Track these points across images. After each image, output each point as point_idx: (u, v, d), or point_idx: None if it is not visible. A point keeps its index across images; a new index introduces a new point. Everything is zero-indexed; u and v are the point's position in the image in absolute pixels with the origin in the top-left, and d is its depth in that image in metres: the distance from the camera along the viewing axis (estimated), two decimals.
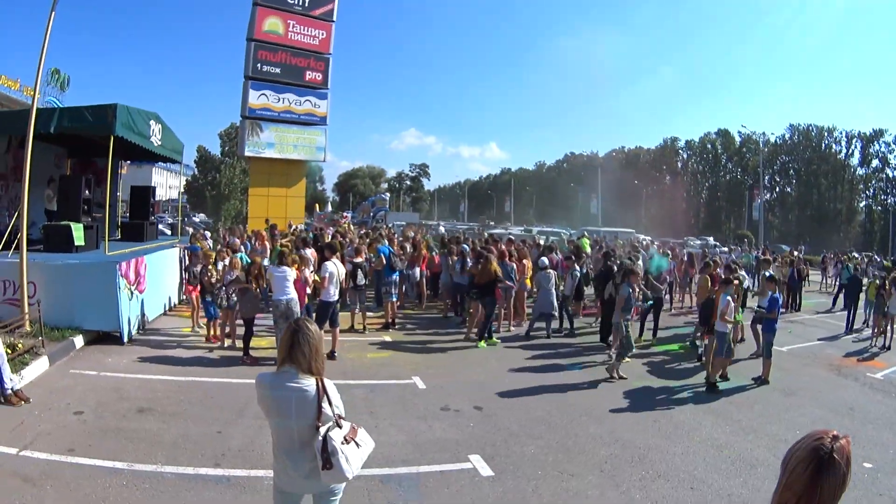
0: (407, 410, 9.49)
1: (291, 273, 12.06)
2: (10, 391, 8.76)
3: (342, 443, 3.80)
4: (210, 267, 13.21)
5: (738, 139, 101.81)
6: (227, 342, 13.03)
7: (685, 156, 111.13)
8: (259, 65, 35.14)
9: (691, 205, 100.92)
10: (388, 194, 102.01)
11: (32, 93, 12.25)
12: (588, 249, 21.06)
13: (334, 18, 37.77)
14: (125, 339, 12.67)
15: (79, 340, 12.05)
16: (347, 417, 3.99)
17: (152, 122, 15.64)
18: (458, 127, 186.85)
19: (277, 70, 35.69)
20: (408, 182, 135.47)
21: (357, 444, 3.91)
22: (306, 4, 36.45)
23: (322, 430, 3.79)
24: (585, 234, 41.38)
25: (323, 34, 37.35)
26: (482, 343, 14.11)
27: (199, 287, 13.49)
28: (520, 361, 12.99)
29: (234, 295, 12.65)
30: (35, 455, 7.02)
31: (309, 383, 3.85)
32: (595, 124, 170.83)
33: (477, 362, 12.81)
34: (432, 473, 7.17)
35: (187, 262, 16.21)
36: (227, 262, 13.36)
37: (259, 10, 34.88)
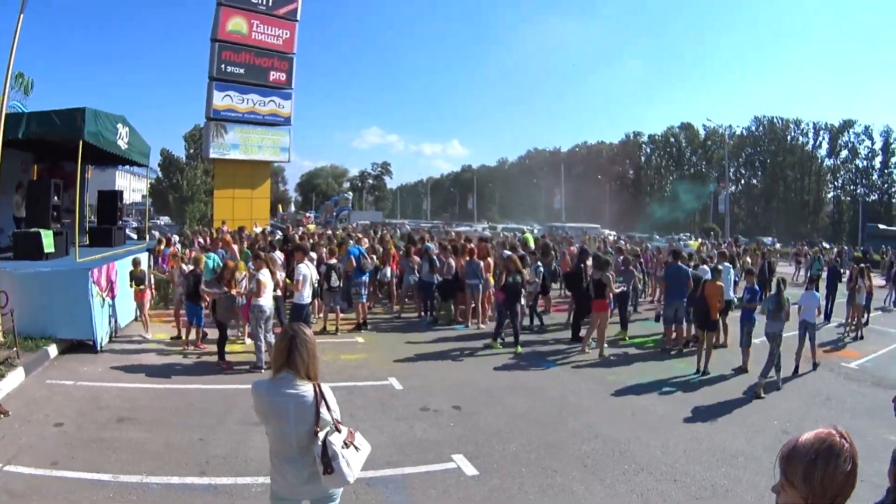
0: (386, 412, 9.53)
1: (269, 276, 12.04)
2: None
3: (342, 447, 3.83)
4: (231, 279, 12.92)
5: (702, 133, 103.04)
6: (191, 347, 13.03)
7: (648, 150, 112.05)
8: (223, 65, 34.92)
9: (655, 199, 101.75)
10: (350, 193, 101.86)
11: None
12: (532, 245, 21.04)
13: (298, 18, 37.65)
14: (99, 347, 12.53)
15: (53, 350, 11.88)
16: None
17: (119, 126, 15.46)
18: (419, 124, 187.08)
19: (241, 70, 35.49)
20: (370, 181, 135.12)
21: (356, 448, 3.94)
22: (270, 4, 36.31)
23: (321, 434, 3.80)
24: (526, 230, 41.73)
25: (287, 34, 37.25)
26: (497, 344, 14.14)
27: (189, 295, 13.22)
28: (494, 359, 13.05)
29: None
30: (19, 470, 6.92)
31: (307, 389, 3.86)
32: (557, 120, 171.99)
33: (452, 362, 12.95)
34: (417, 474, 7.22)
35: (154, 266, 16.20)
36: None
37: (223, 9, 34.65)
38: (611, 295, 13.91)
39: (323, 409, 3.85)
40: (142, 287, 13.98)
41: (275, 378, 3.92)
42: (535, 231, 47.57)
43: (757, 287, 13.79)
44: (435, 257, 17.15)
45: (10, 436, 7.94)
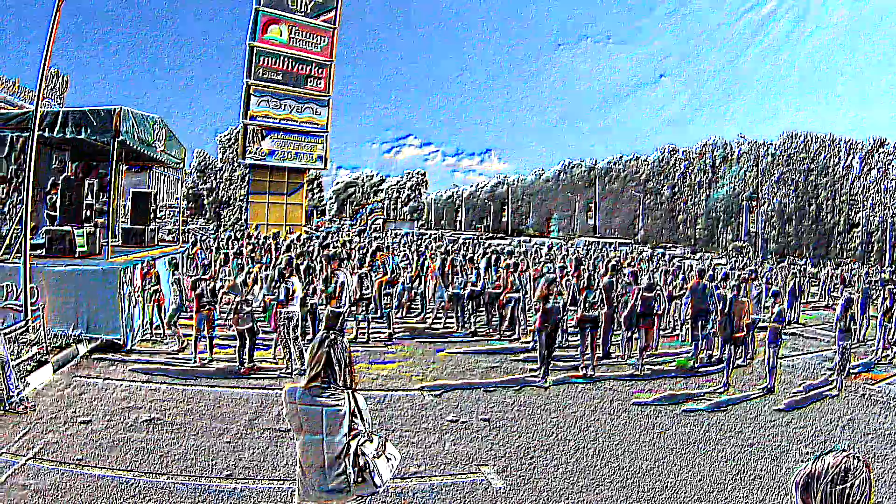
0: (416, 423, 9.41)
1: (299, 284, 11.97)
2: (15, 399, 8.70)
3: (374, 456, 3.84)
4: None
5: (736, 150, 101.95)
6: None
7: (683, 166, 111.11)
8: (260, 71, 35.14)
9: (689, 215, 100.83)
10: (386, 203, 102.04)
11: (33, 95, 12.10)
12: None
13: (336, 25, 37.76)
14: (128, 347, 12.56)
15: (82, 348, 11.90)
16: None
17: (156, 128, 15.46)
18: (457, 135, 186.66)
19: (279, 77, 35.77)
20: (406, 191, 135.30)
21: (387, 458, 3.95)
22: (309, 11, 36.47)
23: (353, 444, 3.82)
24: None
25: (325, 42, 37.45)
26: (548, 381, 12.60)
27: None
28: (524, 373, 12.79)
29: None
30: (44, 465, 7.00)
31: (341, 397, 3.86)
32: (594, 133, 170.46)
33: (482, 375, 12.63)
34: (445, 486, 7.19)
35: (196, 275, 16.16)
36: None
37: (262, 15, 34.87)
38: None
39: (357, 419, 3.90)
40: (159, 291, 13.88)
41: (309, 386, 3.90)
42: (576, 246, 46.97)
43: (783, 308, 13.39)
44: (481, 270, 16.85)
45: (37, 431, 8.06)
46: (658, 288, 14.43)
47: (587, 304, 12.35)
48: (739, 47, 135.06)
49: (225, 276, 16.23)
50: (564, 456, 8.32)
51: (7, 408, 8.64)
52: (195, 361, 12.25)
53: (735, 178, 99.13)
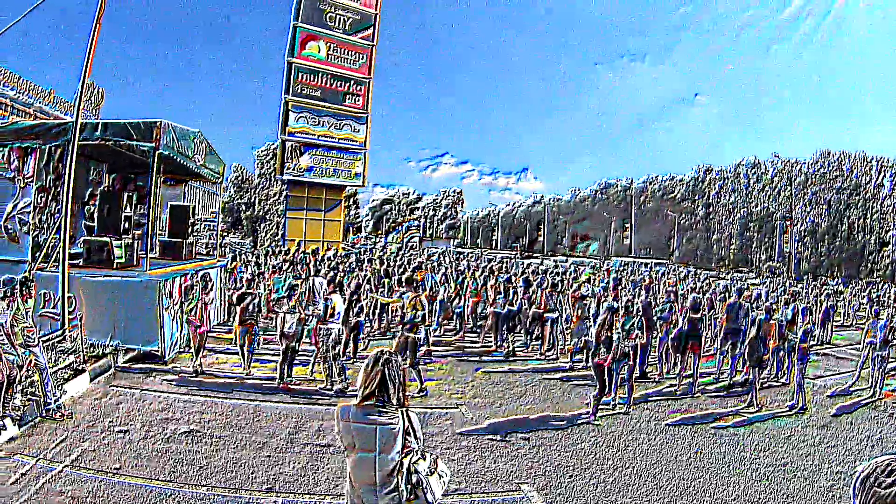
0: (455, 440, 9.36)
1: (340, 300, 11.93)
2: (52, 406, 8.81)
3: (427, 474, 3.83)
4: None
5: (770, 169, 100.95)
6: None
7: (718, 186, 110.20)
8: (299, 87, 35.38)
9: (723, 236, 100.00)
10: (422, 221, 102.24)
11: (68, 106, 12.15)
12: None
13: (374, 43, 37.96)
14: (166, 359, 12.54)
15: (119, 357, 11.94)
16: None
17: (196, 141, 15.44)
18: (493, 154, 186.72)
19: (317, 94, 36.02)
20: (442, 209, 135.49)
21: (439, 475, 3.95)
22: (347, 28, 36.73)
23: (406, 461, 3.81)
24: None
25: (363, 59, 37.64)
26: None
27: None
28: (564, 393, 12.67)
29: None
30: (81, 473, 7.05)
31: (395, 416, 3.84)
32: (630, 152, 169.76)
33: (521, 393, 12.53)
34: (486, 503, 7.23)
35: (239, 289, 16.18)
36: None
37: (300, 32, 35.16)
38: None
39: (410, 437, 3.88)
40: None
41: (361, 405, 3.90)
42: (612, 267, 46.44)
43: (810, 328, 13.77)
44: (519, 290, 16.63)
45: (73, 439, 8.14)
46: (703, 309, 14.15)
47: (623, 332, 11.58)
48: (775, 65, 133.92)
49: (262, 291, 16.23)
50: (603, 475, 8.29)
51: (44, 415, 8.75)
52: (245, 371, 12.37)
53: (768, 197, 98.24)
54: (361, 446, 3.81)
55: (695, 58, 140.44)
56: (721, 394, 13.33)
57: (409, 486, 3.76)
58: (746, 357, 13.09)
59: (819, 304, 22.21)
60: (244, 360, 12.56)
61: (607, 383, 11.07)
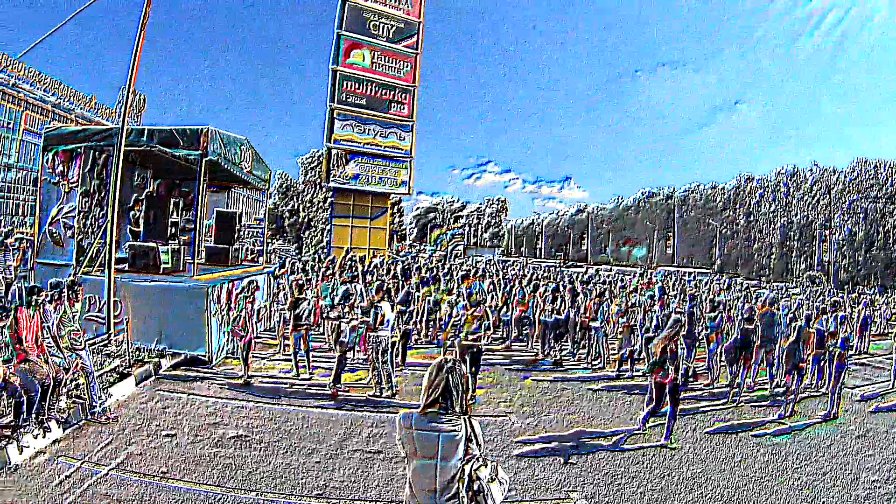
0: (505, 448, 9.27)
1: (389, 308, 11.89)
2: (98, 409, 8.88)
3: (488, 481, 3.86)
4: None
5: (808, 178, 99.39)
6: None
7: (759, 195, 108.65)
8: (344, 95, 35.52)
9: (764, 245, 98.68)
10: (466, 229, 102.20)
11: (110, 112, 12.26)
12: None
13: (419, 51, 37.99)
14: (213, 364, 12.59)
15: (165, 362, 11.99)
16: None
17: (243, 148, 15.54)
18: (537, 163, 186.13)
19: (362, 102, 36.08)
20: (486, 217, 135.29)
21: (500, 482, 3.95)
22: (391, 36, 36.81)
23: (467, 468, 3.86)
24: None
25: (408, 66, 37.66)
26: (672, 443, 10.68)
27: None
28: (612, 402, 12.52)
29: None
30: (127, 476, 7.15)
31: (458, 423, 3.91)
32: (673, 161, 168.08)
33: (568, 401, 12.41)
34: None
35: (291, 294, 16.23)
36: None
37: (344, 40, 35.32)
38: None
39: (472, 444, 3.94)
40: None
41: (424, 412, 3.97)
42: (657, 276, 45.77)
43: (848, 336, 14.03)
44: (567, 299, 16.48)
45: (119, 442, 8.23)
46: (756, 319, 13.87)
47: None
48: (814, 71, 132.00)
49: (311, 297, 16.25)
50: (650, 483, 8.30)
51: (89, 418, 8.80)
52: (302, 376, 12.39)
53: (808, 206, 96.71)
54: (423, 453, 3.87)
55: (734, 66, 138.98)
56: (762, 403, 13.18)
57: (469, 493, 3.82)
58: (784, 365, 12.97)
59: (856, 314, 21.69)
60: (296, 365, 12.56)
61: (667, 402, 10.43)
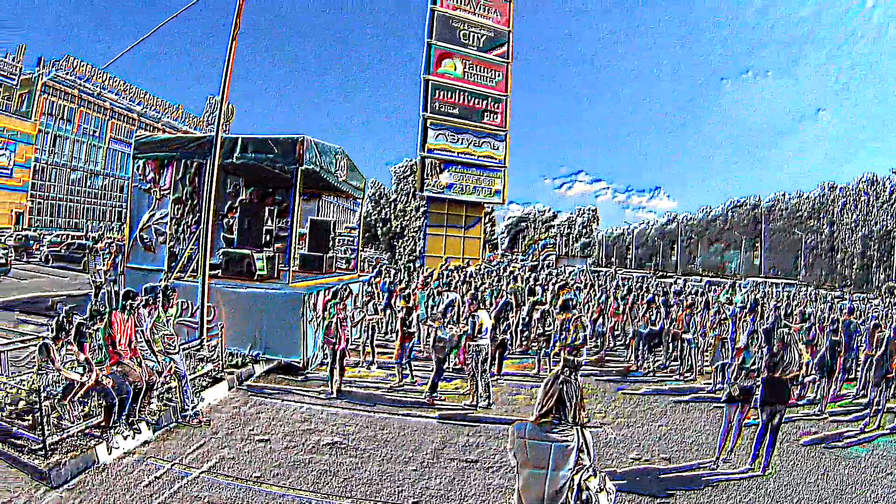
0: (599, 460, 8.77)
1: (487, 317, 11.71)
2: (190, 412, 8.99)
3: (597, 491, 3.84)
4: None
5: (888, 186, 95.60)
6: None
7: (841, 203, 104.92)
8: (436, 105, 35.62)
9: (846, 255, 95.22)
10: (558, 239, 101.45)
11: (197, 121, 12.43)
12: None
13: (510, 60, 37.86)
14: (308, 371, 12.61)
15: (259, 367, 12.07)
16: None
17: (338, 157, 15.57)
18: (627, 172, 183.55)
19: (455, 111, 36.15)
20: (577, 227, 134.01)
21: (608, 493, 3.92)
22: (482, 46, 36.77)
23: (577, 478, 3.85)
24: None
25: (500, 76, 37.60)
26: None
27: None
28: (707, 413, 12.19)
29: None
30: (219, 480, 7.24)
31: (571, 434, 3.92)
32: (759, 169, 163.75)
33: (661, 413, 12.18)
34: None
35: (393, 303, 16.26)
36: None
37: (435, 49, 35.48)
38: None
39: (583, 454, 3.93)
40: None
41: (538, 422, 4.01)
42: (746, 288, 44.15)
43: None
44: (661, 310, 16.10)
45: (212, 446, 8.33)
46: (841, 332, 13.65)
47: (744, 372, 9.61)
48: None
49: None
50: (739, 494, 8.21)
51: (181, 420, 8.91)
52: (400, 385, 12.34)
53: (887, 215, 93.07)
54: (534, 463, 3.90)
55: (816, 72, 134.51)
56: (847, 415, 12.75)
57: (578, 503, 3.81)
58: (872, 377, 12.61)
59: None
60: (399, 373, 12.53)
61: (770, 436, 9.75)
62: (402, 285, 18.53)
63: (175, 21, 12.97)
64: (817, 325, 15.20)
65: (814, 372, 13.38)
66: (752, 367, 9.44)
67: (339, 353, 11.45)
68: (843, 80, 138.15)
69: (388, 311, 16.75)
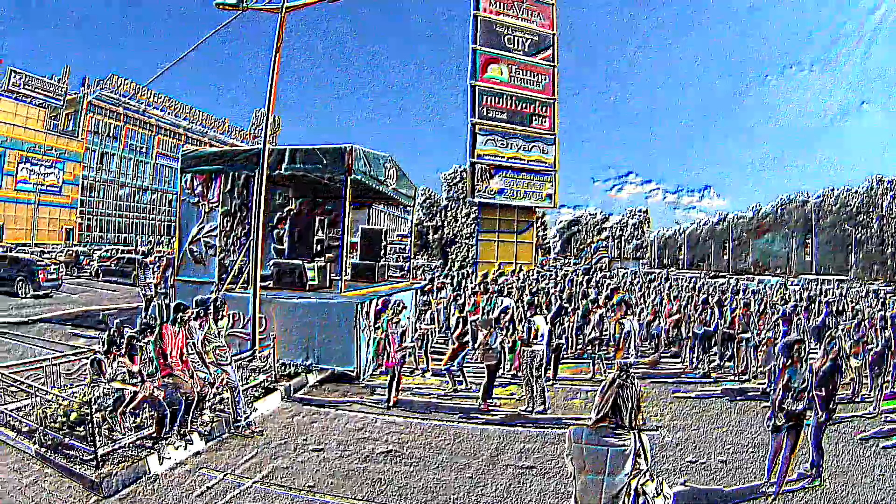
0: (656, 463, 8.61)
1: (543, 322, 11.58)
2: (242, 423, 9.01)
3: (653, 496, 3.89)
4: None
5: None
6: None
7: (890, 197, 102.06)
8: (485, 111, 35.53)
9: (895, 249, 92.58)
10: (610, 241, 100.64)
11: (243, 134, 12.50)
12: None
13: (556, 63, 37.62)
14: (361, 380, 12.55)
15: (312, 377, 12.05)
16: None
17: (388, 166, 15.56)
18: (677, 172, 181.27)
19: (503, 116, 36.06)
20: (629, 229, 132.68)
21: (664, 497, 3.99)
22: (527, 50, 36.64)
23: (634, 482, 3.86)
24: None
25: (546, 79, 37.39)
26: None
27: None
28: (755, 415, 11.87)
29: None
30: (272, 490, 7.25)
31: (628, 438, 3.89)
32: (806, 165, 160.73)
33: (717, 415, 11.98)
34: None
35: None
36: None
37: (480, 55, 35.45)
38: None
39: (640, 459, 3.91)
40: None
41: (595, 427, 3.99)
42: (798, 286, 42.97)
43: None
44: (716, 310, 15.73)
45: (265, 455, 8.36)
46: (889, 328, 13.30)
47: (793, 392, 8.13)
48: None
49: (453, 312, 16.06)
50: (795, 497, 8.13)
51: (234, 431, 8.92)
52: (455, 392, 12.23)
53: None
54: (591, 468, 3.89)
55: (858, 66, 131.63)
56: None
57: None
58: None
59: None
60: (453, 381, 12.41)
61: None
62: (456, 293, 18.46)
63: (217, 36, 13.10)
64: (866, 321, 14.76)
65: (866, 371, 13.14)
66: (802, 387, 8.05)
67: (391, 369, 11.36)
68: (885, 72, 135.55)
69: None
